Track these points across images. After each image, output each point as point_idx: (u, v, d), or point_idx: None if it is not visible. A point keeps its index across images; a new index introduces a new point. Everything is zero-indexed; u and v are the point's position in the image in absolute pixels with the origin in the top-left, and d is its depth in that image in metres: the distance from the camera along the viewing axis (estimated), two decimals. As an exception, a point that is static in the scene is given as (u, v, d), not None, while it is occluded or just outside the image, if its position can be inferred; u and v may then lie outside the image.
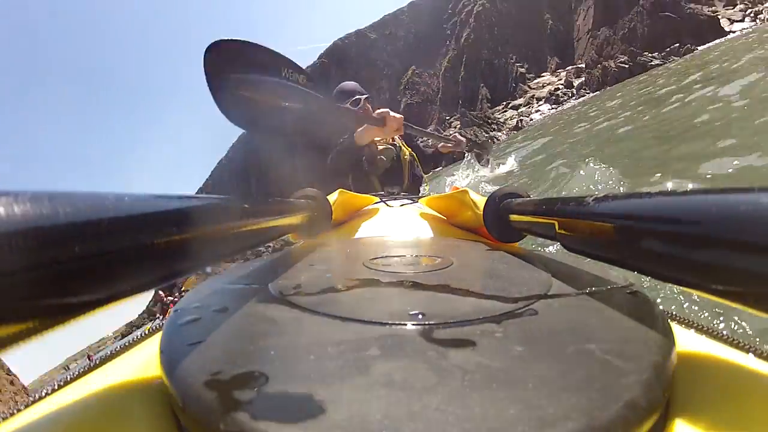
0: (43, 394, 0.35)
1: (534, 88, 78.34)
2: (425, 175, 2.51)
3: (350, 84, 2.51)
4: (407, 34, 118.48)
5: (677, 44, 54.02)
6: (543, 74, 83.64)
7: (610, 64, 56.79)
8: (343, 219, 1.18)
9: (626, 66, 53.79)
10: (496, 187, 0.89)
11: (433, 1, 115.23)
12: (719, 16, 61.18)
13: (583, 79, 64.76)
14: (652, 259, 0.35)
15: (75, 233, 0.24)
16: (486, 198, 0.87)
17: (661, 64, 48.13)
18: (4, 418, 0.31)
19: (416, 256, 0.65)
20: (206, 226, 0.40)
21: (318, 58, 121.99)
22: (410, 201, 1.58)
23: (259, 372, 0.30)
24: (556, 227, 0.53)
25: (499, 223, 0.81)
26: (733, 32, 53.72)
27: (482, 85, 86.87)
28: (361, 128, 2.00)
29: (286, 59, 1.66)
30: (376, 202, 1.53)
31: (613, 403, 0.25)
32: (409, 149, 2.42)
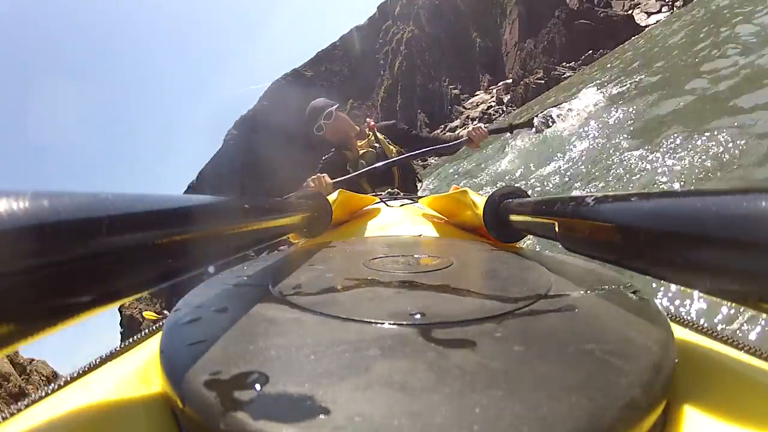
0: (43, 394, 0.35)
1: (468, 108, 77.44)
2: (421, 171, 2.51)
3: (320, 101, 2.56)
4: (342, 68, 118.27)
5: (590, 50, 53.60)
6: (477, 93, 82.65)
7: (531, 80, 56.48)
8: (343, 219, 1.18)
9: (543, 81, 53.52)
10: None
11: (363, 32, 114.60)
12: (636, 12, 60.43)
13: (509, 96, 64.17)
14: (652, 259, 0.35)
15: (75, 233, 0.24)
16: (486, 198, 0.87)
17: (571, 75, 47.71)
18: (4, 418, 0.31)
19: (416, 256, 0.65)
20: (206, 226, 0.40)
21: (259, 102, 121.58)
22: (410, 201, 1.58)
23: (259, 372, 0.30)
24: (556, 227, 0.53)
25: (499, 223, 0.81)
26: (649, 25, 52.59)
27: (419, 111, 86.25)
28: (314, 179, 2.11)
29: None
30: (376, 203, 1.53)
31: (613, 403, 0.25)
32: (397, 146, 2.44)
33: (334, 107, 2.47)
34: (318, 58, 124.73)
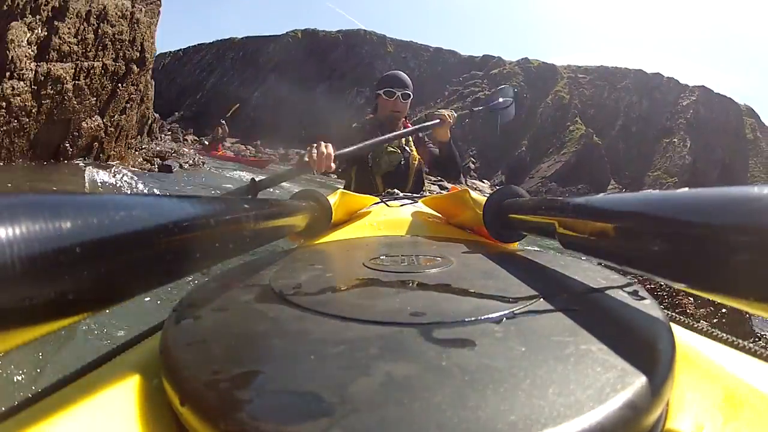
0: (44, 393, 0.35)
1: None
2: (431, 177, 2.50)
3: (404, 75, 2.42)
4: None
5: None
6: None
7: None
8: (343, 219, 1.18)
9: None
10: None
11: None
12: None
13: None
14: (652, 259, 0.35)
15: (76, 235, 0.24)
16: (486, 198, 0.87)
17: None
18: (4, 418, 0.31)
19: (416, 256, 0.65)
20: (207, 227, 0.40)
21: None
22: (410, 201, 1.58)
23: (258, 371, 0.30)
24: (556, 227, 0.53)
25: (499, 223, 0.81)
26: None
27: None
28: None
29: None
30: (376, 203, 1.53)
31: (614, 403, 0.25)
32: (419, 156, 2.41)
33: (411, 94, 2.38)
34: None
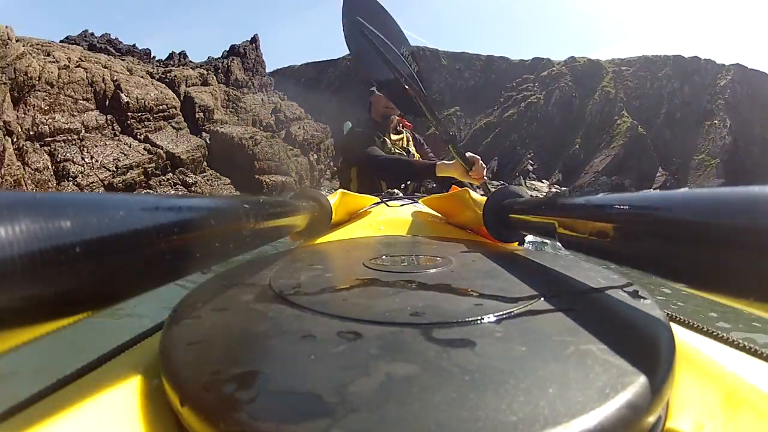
0: (43, 393, 0.34)
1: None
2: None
3: None
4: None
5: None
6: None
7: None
8: (343, 219, 1.18)
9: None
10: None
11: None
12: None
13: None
14: (652, 258, 0.35)
15: (76, 234, 0.24)
16: (486, 198, 0.87)
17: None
18: (4, 418, 0.31)
19: (416, 256, 0.65)
20: (207, 227, 0.40)
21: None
22: (410, 201, 1.56)
23: (258, 372, 0.30)
24: (557, 227, 0.53)
25: (500, 222, 0.81)
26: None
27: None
28: (449, 162, 1.92)
29: (406, 41, 1.91)
30: (376, 203, 1.52)
31: (614, 403, 0.25)
32: (419, 156, 2.37)
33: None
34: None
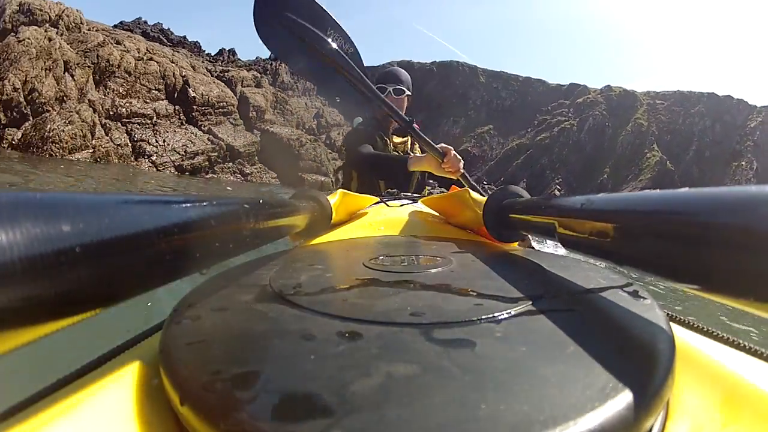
0: (43, 393, 0.35)
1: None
2: (433, 182, 2.45)
3: (400, 71, 2.30)
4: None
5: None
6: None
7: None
8: (343, 219, 1.17)
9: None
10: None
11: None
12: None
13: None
14: (652, 259, 0.35)
15: (76, 234, 0.24)
16: (486, 198, 0.87)
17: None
18: (4, 418, 0.31)
19: (416, 256, 0.65)
20: (207, 227, 0.40)
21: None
22: (410, 201, 1.56)
23: (258, 371, 0.30)
24: (556, 227, 0.53)
25: (500, 222, 0.81)
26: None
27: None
28: (420, 155, 1.89)
29: (335, 22, 1.78)
30: (376, 203, 1.52)
31: (614, 403, 0.25)
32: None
33: (406, 90, 2.23)
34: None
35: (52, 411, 0.30)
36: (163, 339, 0.37)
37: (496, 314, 0.37)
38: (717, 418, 0.31)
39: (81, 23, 17.33)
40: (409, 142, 2.35)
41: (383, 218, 1.19)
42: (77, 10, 17.74)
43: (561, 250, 0.60)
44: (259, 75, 23.65)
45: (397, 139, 2.33)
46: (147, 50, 18.31)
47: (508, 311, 0.38)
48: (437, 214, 1.29)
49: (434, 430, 0.23)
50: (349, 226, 1.12)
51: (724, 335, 0.44)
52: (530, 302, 0.40)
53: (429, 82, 36.42)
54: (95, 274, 0.26)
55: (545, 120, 34.51)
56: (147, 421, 0.31)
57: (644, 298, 0.41)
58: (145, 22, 31.71)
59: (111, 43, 16.85)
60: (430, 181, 2.45)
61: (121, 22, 30.33)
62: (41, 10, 16.50)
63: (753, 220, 0.25)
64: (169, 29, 31.76)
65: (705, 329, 0.46)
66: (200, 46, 31.54)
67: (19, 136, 13.22)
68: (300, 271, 0.57)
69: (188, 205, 0.39)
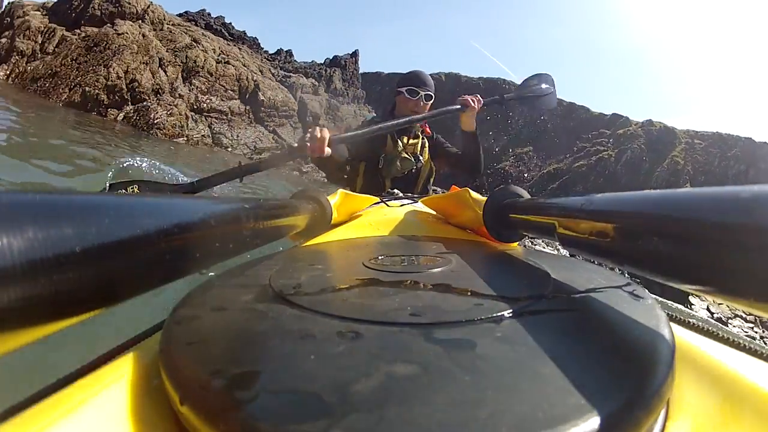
0: (43, 393, 0.34)
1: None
2: (437, 189, 2.37)
3: (427, 76, 2.25)
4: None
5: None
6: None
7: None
8: (343, 219, 1.17)
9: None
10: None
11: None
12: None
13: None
14: (653, 259, 0.35)
15: (76, 235, 0.24)
16: (486, 198, 0.87)
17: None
18: (4, 418, 0.31)
19: (416, 256, 0.65)
20: (207, 227, 0.40)
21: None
22: (410, 201, 1.56)
23: (258, 371, 0.30)
24: (556, 227, 0.53)
25: (500, 222, 0.81)
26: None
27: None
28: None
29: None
30: (376, 203, 1.52)
31: (614, 403, 0.25)
32: (431, 162, 2.27)
33: (431, 96, 2.17)
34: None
35: (52, 411, 0.30)
36: (163, 339, 0.37)
37: (496, 314, 0.37)
38: (717, 418, 0.31)
39: (164, 19, 20.16)
40: (419, 145, 2.24)
41: (383, 218, 1.19)
42: (160, 6, 20.44)
43: (561, 250, 0.64)
44: (316, 83, 26.14)
45: (411, 141, 2.23)
46: (222, 51, 21.01)
47: (508, 311, 0.38)
48: (437, 214, 1.30)
49: (434, 430, 0.23)
50: (349, 226, 1.12)
51: (724, 335, 0.44)
52: (530, 302, 0.40)
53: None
54: (95, 275, 0.26)
55: (584, 147, 34.21)
56: (147, 421, 0.31)
57: (644, 298, 0.41)
58: (209, 14, 32.44)
59: (197, 47, 19.53)
60: (435, 189, 2.40)
61: (186, 12, 31.36)
62: (129, 3, 19.58)
63: (753, 219, 0.24)
64: (230, 24, 32.47)
65: (705, 329, 0.46)
66: (259, 44, 32.38)
67: (121, 117, 16.24)
68: (300, 271, 0.57)
69: (188, 205, 0.40)
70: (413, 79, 2.18)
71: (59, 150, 5.99)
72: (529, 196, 0.82)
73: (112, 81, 16.35)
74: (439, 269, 0.54)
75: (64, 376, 0.37)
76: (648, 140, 34.22)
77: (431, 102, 2.19)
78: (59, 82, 16.81)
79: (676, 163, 33.33)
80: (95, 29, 18.36)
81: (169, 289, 0.43)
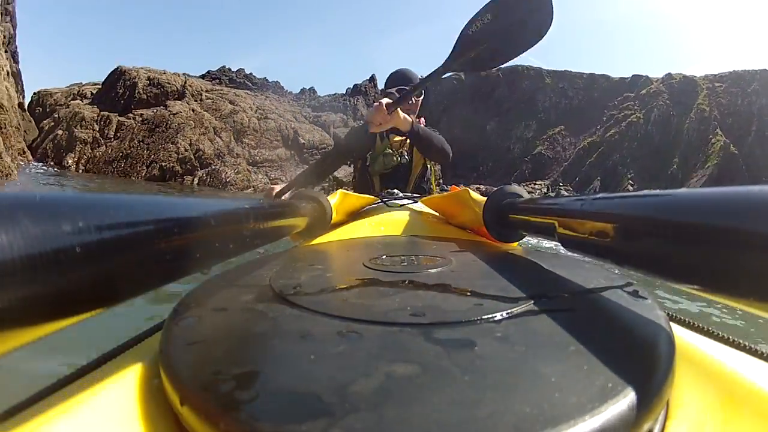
0: (43, 393, 0.35)
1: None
2: (435, 187, 2.33)
3: (410, 72, 2.23)
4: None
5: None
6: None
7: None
8: (343, 219, 1.17)
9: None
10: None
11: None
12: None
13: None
14: (652, 259, 0.35)
15: (76, 235, 0.24)
16: (486, 198, 0.87)
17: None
18: (4, 418, 0.31)
19: (416, 256, 0.65)
20: (207, 227, 0.40)
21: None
22: (410, 201, 1.56)
23: (258, 372, 0.30)
24: (556, 227, 0.53)
25: (500, 222, 0.81)
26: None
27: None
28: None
29: None
30: (376, 203, 1.52)
31: (614, 403, 0.25)
32: (425, 159, 2.23)
33: (420, 97, 2.16)
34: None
35: (52, 411, 0.30)
36: (163, 339, 0.37)
37: (496, 314, 0.37)
38: (717, 418, 0.30)
39: (202, 90, 24.05)
40: (408, 141, 2.19)
41: (383, 218, 1.19)
42: (183, 74, 25.02)
43: (561, 250, 0.60)
44: (344, 116, 29.62)
45: (396, 138, 2.22)
46: (258, 108, 25.40)
47: (508, 311, 0.38)
48: (437, 214, 1.29)
49: (434, 431, 0.23)
50: (349, 226, 1.12)
51: (724, 335, 0.44)
52: (530, 302, 0.40)
53: (496, 88, 35.76)
54: (95, 274, 0.26)
55: (613, 115, 33.37)
56: (147, 421, 0.31)
57: (644, 298, 0.41)
58: (230, 69, 33.94)
59: (239, 109, 23.25)
60: (444, 188, 2.39)
61: (208, 72, 33.12)
62: (168, 83, 24.21)
63: (753, 220, 0.24)
64: (252, 74, 33.97)
65: (705, 329, 0.46)
66: (282, 87, 34.13)
67: (196, 181, 20.81)
68: (300, 271, 0.57)
69: (189, 205, 0.40)
70: (396, 79, 2.20)
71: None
72: (529, 196, 0.82)
73: (181, 153, 20.89)
74: (439, 269, 0.55)
75: (64, 376, 0.37)
76: (671, 94, 32.86)
77: (422, 98, 2.20)
78: (134, 162, 21.18)
79: (702, 111, 32.23)
80: (149, 112, 22.75)
81: (169, 289, 0.43)
